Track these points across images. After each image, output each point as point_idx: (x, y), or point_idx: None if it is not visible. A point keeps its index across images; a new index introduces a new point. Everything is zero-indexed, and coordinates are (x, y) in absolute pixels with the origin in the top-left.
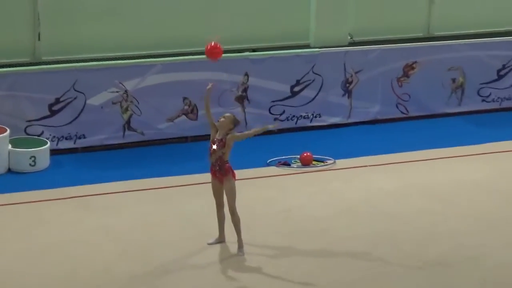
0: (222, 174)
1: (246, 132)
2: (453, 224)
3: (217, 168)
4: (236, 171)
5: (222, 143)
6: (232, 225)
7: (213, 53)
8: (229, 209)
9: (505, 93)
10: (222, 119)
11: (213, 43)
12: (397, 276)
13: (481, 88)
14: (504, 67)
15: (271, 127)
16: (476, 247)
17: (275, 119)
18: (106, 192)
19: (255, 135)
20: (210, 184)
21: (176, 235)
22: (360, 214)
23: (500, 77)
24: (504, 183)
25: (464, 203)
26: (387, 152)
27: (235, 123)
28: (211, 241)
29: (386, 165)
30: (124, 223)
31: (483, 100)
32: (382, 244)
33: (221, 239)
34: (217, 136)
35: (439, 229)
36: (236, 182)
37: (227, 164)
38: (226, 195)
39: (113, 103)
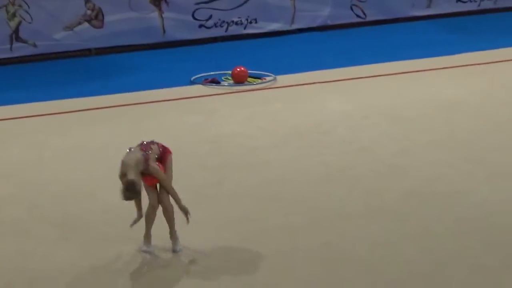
0: None
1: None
2: (423, 153)
3: None
4: (152, 91)
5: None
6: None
7: None
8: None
9: None
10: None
11: None
12: (356, 217)
13: None
14: None
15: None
16: (452, 181)
17: (201, 26)
18: None
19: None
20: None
21: (78, 172)
22: (308, 142)
23: None
24: (483, 103)
25: (436, 127)
26: (340, 66)
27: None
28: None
29: (339, 82)
30: (13, 158)
31: (458, 1)
32: (337, 180)
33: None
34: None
35: (406, 160)
36: (154, 104)
37: None
38: None
39: None
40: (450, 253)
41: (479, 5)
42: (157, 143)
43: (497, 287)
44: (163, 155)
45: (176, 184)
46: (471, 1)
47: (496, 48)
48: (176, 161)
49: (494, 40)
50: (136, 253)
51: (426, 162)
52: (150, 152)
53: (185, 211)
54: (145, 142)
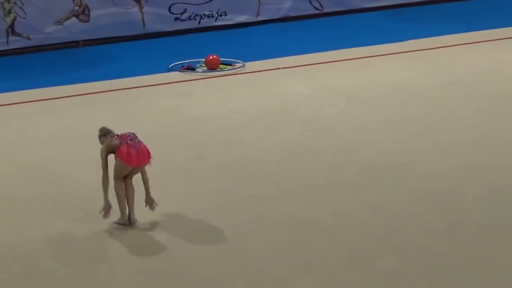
0: None
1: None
2: (376, 130)
3: None
4: (135, 78)
5: None
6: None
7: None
8: None
9: None
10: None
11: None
12: (319, 188)
13: None
14: None
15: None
16: (403, 155)
17: (176, 19)
18: None
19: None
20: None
21: (69, 151)
22: (274, 121)
23: None
24: (428, 85)
25: (387, 107)
26: (301, 53)
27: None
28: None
29: (301, 67)
30: (11, 139)
31: None
32: (300, 154)
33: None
34: None
35: (362, 136)
36: (137, 89)
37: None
38: None
39: None
40: (402, 219)
41: None
42: (120, 142)
43: (443, 248)
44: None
45: (158, 161)
46: None
47: (438, 35)
48: (158, 140)
49: (436, 28)
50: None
51: (379, 138)
52: (109, 140)
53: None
54: (122, 134)
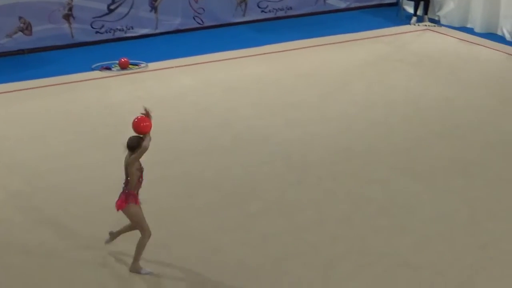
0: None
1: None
2: (244, 111)
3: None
4: (67, 76)
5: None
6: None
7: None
8: None
9: (279, 5)
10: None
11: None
12: (204, 153)
13: (260, 1)
14: None
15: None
16: (264, 128)
17: (97, 32)
18: None
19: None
20: None
21: (20, 131)
22: (171, 105)
23: None
24: (281, 77)
25: (251, 94)
26: (189, 55)
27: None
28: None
29: (189, 66)
30: None
31: (262, 11)
32: (190, 129)
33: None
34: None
35: (234, 115)
36: (68, 84)
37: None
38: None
39: None
40: (264, 174)
41: (275, 14)
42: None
43: (294, 194)
44: None
45: (83, 136)
46: (270, 11)
47: (287, 41)
48: (86, 122)
49: (285, 36)
50: None
51: (247, 116)
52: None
53: None
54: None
